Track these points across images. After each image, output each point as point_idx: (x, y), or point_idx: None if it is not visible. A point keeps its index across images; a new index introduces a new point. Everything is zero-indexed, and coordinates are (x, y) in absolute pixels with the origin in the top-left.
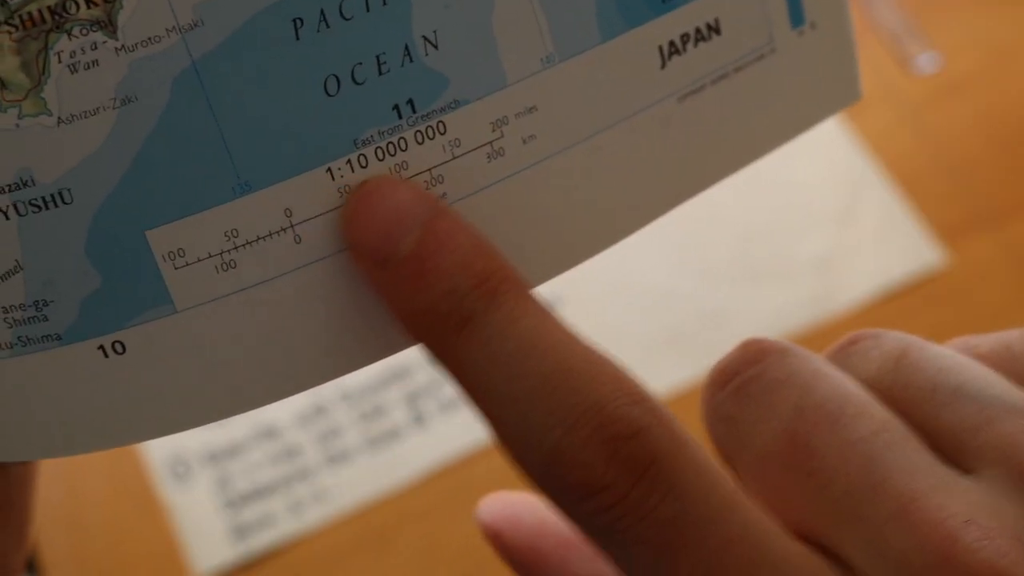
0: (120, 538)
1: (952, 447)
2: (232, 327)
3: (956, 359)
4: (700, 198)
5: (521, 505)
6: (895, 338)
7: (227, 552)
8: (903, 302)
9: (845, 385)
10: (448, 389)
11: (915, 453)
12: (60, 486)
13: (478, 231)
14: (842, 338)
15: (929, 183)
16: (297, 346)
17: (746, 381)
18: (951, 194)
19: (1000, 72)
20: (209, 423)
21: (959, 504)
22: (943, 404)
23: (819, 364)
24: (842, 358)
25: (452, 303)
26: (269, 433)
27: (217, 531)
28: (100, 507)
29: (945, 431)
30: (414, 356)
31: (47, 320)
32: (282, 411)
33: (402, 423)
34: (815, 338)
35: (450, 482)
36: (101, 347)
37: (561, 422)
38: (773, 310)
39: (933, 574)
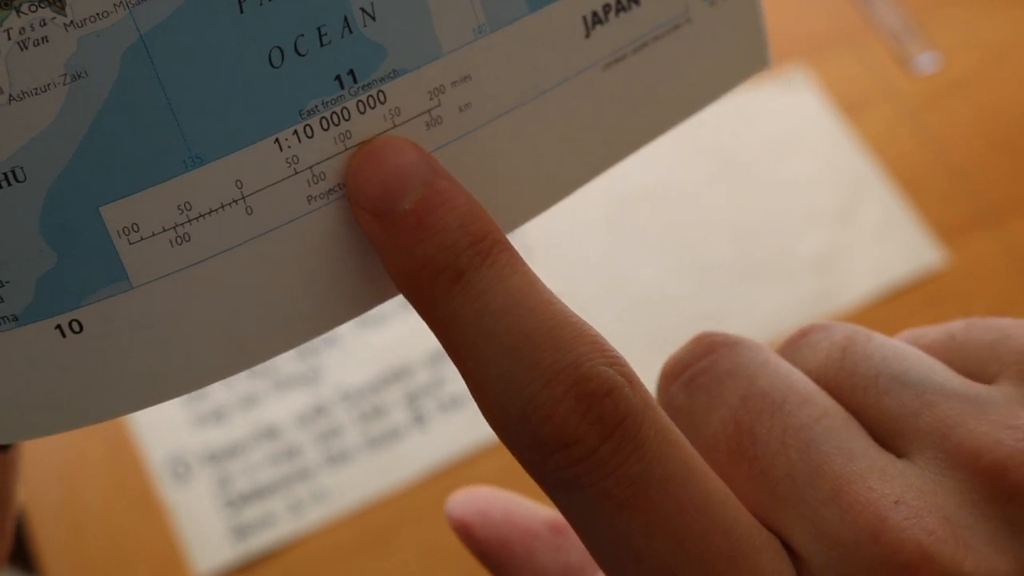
0: (120, 538)
1: (891, 432)
2: (188, 300)
3: (900, 348)
4: (699, 198)
5: (489, 499)
6: (843, 329)
7: (227, 552)
8: (903, 302)
9: (790, 375)
10: (448, 389)
11: (853, 438)
12: (60, 486)
13: (473, 196)
14: (794, 331)
15: (929, 183)
16: (254, 316)
17: (697, 373)
18: (951, 194)
19: (1000, 72)
20: (170, 399)
21: (891, 486)
22: (884, 391)
23: (768, 355)
24: (792, 350)
25: (448, 258)
26: (269, 433)
27: (217, 531)
28: (100, 507)
29: (885, 417)
30: (414, 356)
31: (3, 301)
32: (282, 411)
33: (402, 423)
34: None
35: (450, 482)
36: (59, 327)
37: (540, 377)
38: (772, 310)
39: (863, 552)
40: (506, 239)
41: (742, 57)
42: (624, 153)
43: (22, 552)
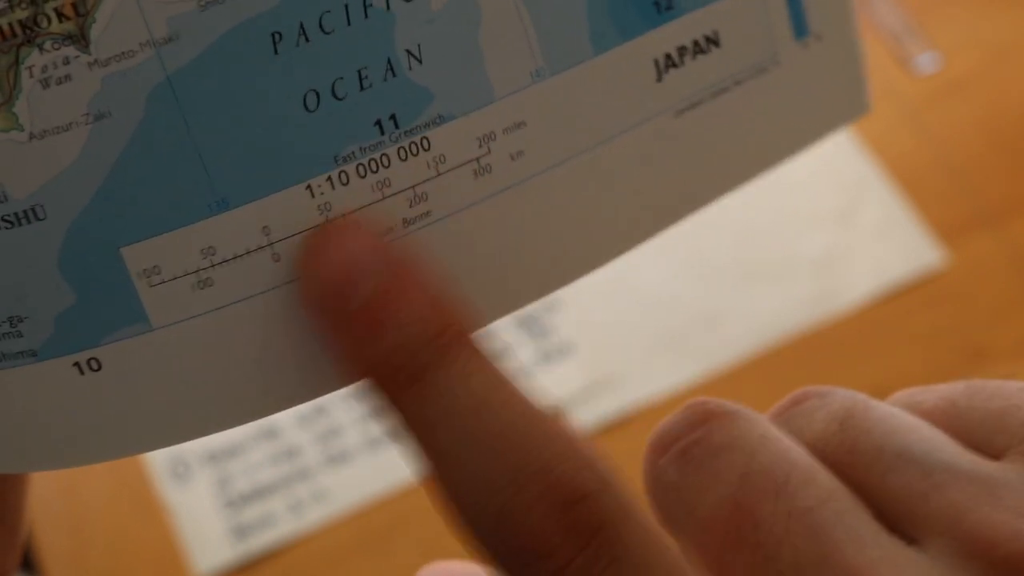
0: (120, 538)
1: (898, 514)
2: (209, 345)
3: (902, 420)
4: None
5: (461, 575)
6: (841, 397)
7: (227, 552)
8: (903, 302)
9: (791, 451)
10: None
11: (862, 523)
12: (60, 486)
13: (435, 284)
14: (787, 396)
15: (929, 183)
16: (274, 366)
17: (689, 445)
18: (951, 194)
19: (1000, 72)
20: (185, 441)
21: None
22: (889, 469)
23: (765, 427)
24: (787, 419)
25: (405, 357)
26: (269, 433)
27: (217, 531)
28: (100, 507)
29: (890, 497)
30: None
31: (22, 336)
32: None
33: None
34: (815, 339)
35: None
36: (76, 364)
37: (511, 483)
38: (772, 311)
39: None
40: (470, 332)
41: (837, 102)
42: (695, 207)
43: (22, 552)
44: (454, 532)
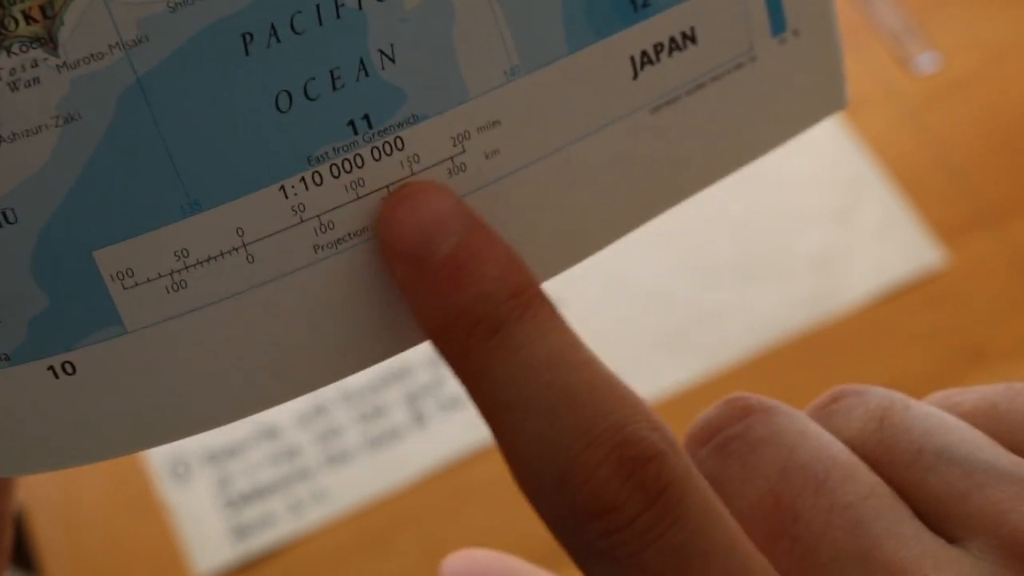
0: (120, 538)
1: (938, 513)
2: (185, 347)
3: (941, 419)
4: (698, 197)
5: (487, 563)
6: (879, 396)
7: (227, 552)
8: (903, 302)
9: (831, 447)
10: (448, 389)
11: (903, 520)
12: (59, 486)
13: (512, 247)
14: (824, 394)
15: (929, 183)
16: (254, 366)
17: (729, 439)
18: (951, 194)
19: (1000, 72)
20: (162, 444)
21: None
22: (928, 468)
23: (804, 423)
24: (825, 416)
25: (486, 308)
26: (269, 433)
27: (217, 531)
28: (100, 507)
29: (930, 496)
30: (415, 356)
31: None
32: (282, 411)
33: (402, 423)
34: (814, 339)
35: (450, 482)
36: (51, 368)
37: (581, 438)
38: (771, 310)
39: None
40: (546, 293)
41: (815, 97)
42: (671, 202)
43: (22, 552)
44: (454, 533)
